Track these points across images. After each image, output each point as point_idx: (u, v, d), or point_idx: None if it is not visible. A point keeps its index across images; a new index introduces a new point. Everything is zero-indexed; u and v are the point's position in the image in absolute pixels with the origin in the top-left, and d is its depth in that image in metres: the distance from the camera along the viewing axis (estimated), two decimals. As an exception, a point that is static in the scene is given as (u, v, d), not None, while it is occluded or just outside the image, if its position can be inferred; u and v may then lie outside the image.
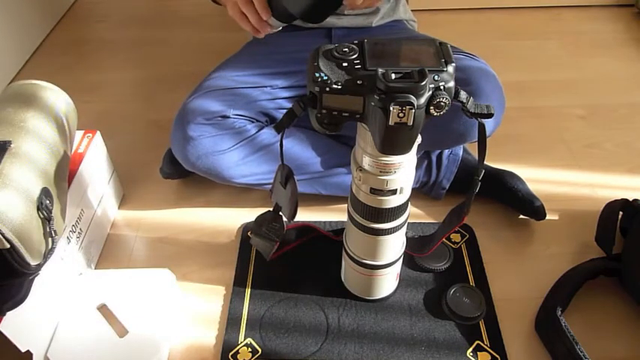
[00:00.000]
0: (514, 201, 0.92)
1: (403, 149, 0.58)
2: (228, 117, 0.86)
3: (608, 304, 0.80)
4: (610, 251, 0.82)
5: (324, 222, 0.92)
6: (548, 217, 0.89)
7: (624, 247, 0.81)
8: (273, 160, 0.88)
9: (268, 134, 0.88)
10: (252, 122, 0.89)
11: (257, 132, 0.88)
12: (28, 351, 0.66)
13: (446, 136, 0.87)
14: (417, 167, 0.90)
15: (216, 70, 0.95)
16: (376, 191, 0.63)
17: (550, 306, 0.76)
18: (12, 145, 0.63)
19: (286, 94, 0.92)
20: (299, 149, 0.89)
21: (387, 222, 0.67)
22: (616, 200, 0.88)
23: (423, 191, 0.97)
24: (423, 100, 0.52)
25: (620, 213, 0.86)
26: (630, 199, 0.86)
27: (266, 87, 0.90)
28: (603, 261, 0.82)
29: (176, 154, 0.87)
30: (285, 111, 0.67)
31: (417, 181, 0.95)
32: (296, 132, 0.90)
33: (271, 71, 0.92)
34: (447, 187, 0.95)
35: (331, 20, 0.97)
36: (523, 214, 0.92)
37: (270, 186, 0.76)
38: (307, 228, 0.89)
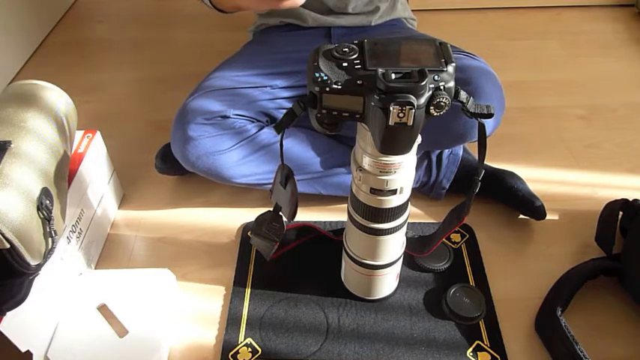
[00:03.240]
0: (514, 201, 0.92)
1: (403, 149, 0.58)
2: (228, 117, 0.86)
3: (608, 304, 0.80)
4: (610, 251, 0.82)
5: (324, 222, 0.92)
6: (548, 217, 0.89)
7: (624, 247, 0.81)
8: (273, 160, 0.88)
9: (268, 134, 0.88)
10: (253, 122, 0.89)
11: (257, 132, 0.88)
12: (28, 351, 0.66)
13: (446, 136, 0.87)
14: (417, 167, 0.90)
15: (216, 70, 0.95)
16: (376, 191, 0.63)
17: (550, 306, 0.76)
18: (12, 145, 0.63)
19: (286, 94, 0.92)
20: (299, 149, 0.89)
21: (387, 222, 0.67)
22: (616, 200, 0.88)
23: (423, 191, 0.97)
24: (423, 100, 0.52)
25: (620, 213, 0.86)
26: (630, 199, 0.86)
27: (266, 87, 0.90)
28: (603, 261, 0.82)
29: (176, 154, 0.87)
30: (285, 111, 0.67)
31: (417, 181, 0.95)
32: (296, 132, 0.90)
33: (271, 71, 0.92)
34: (447, 187, 0.95)
35: (330, 19, 0.97)
36: (523, 214, 0.92)
37: (270, 186, 0.76)
38: (307, 228, 0.89)
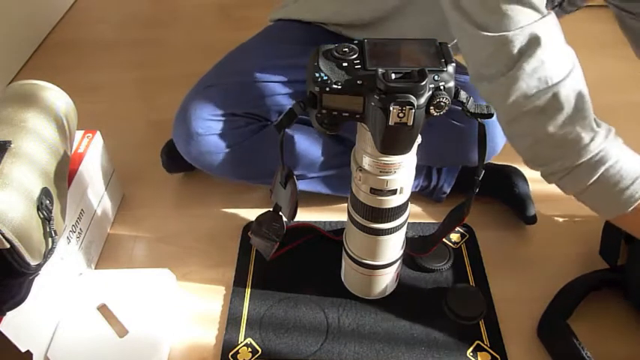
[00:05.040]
0: (510, 197, 0.91)
1: (403, 149, 0.58)
2: (235, 114, 0.84)
3: (613, 313, 0.79)
4: (615, 263, 0.80)
5: (324, 222, 0.92)
6: (548, 217, 0.89)
7: (627, 258, 0.79)
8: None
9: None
10: (260, 121, 0.87)
11: (261, 130, 0.87)
12: (28, 351, 0.66)
13: (455, 155, 0.87)
14: (417, 173, 0.89)
15: (229, 59, 0.91)
16: (376, 191, 0.63)
17: (554, 313, 0.75)
18: (12, 145, 0.63)
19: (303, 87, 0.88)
20: (304, 148, 0.87)
21: (387, 222, 0.67)
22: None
23: (424, 194, 0.96)
24: (423, 100, 0.52)
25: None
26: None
27: (284, 82, 0.87)
28: (607, 273, 0.80)
29: (179, 149, 0.86)
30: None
31: (416, 186, 0.94)
32: (302, 130, 0.88)
33: (289, 62, 0.88)
34: (448, 192, 0.94)
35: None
36: (515, 212, 0.91)
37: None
38: (307, 228, 0.89)
